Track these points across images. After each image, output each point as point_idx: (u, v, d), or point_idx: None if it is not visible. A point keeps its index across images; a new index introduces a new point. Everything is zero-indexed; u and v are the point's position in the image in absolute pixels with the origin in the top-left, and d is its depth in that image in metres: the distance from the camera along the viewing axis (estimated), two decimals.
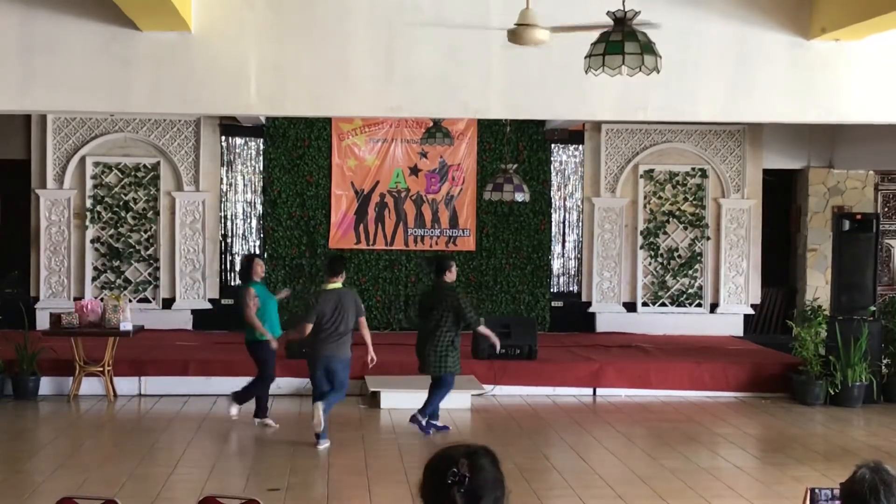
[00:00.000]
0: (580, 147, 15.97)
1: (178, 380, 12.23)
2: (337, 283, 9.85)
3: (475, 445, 2.73)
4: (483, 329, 10.45)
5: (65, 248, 15.08)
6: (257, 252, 15.46)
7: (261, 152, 15.54)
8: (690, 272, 15.91)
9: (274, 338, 10.42)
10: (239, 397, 10.52)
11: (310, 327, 9.69)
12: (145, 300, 15.22)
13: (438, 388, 10.42)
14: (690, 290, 15.92)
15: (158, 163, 15.24)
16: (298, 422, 10.85)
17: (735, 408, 12.12)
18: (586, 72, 6.83)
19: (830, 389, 12.10)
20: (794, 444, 10.28)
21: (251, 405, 10.57)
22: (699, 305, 15.94)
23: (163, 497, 8.00)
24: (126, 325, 11.74)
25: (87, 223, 15.09)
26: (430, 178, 15.62)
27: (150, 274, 15.28)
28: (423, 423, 10.34)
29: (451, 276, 10.44)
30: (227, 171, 15.59)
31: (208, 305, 15.34)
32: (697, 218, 15.89)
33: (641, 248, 15.87)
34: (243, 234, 15.76)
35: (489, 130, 15.49)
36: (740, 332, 15.74)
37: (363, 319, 9.86)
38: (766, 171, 15.96)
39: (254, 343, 10.44)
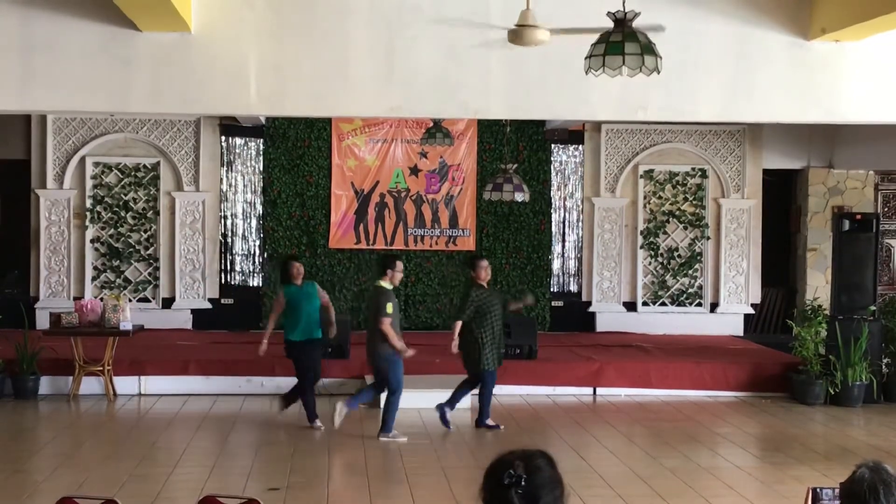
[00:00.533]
0: (580, 147, 15.97)
1: (178, 379, 12.23)
2: (381, 282, 10.00)
3: (531, 449, 2.78)
4: (455, 327, 10.42)
5: (65, 247, 15.08)
6: (258, 250, 15.49)
7: (261, 152, 15.54)
8: (690, 272, 15.91)
9: (304, 340, 10.40)
10: (287, 399, 10.64)
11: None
12: (145, 300, 15.23)
13: (482, 387, 10.57)
14: (690, 290, 15.93)
15: (158, 163, 15.25)
16: (299, 422, 10.85)
17: (735, 407, 12.12)
18: (586, 72, 6.83)
19: (830, 389, 12.10)
20: (794, 443, 10.29)
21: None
22: (699, 305, 15.95)
23: (163, 497, 8.00)
24: (126, 325, 11.75)
25: (87, 223, 15.09)
26: (430, 178, 15.63)
27: (149, 274, 15.28)
28: (489, 423, 10.55)
29: (475, 274, 10.57)
30: (227, 172, 15.59)
31: (208, 305, 15.35)
32: (697, 218, 15.89)
33: (641, 247, 15.87)
34: (243, 234, 15.76)
35: (489, 130, 15.49)
36: (740, 332, 15.74)
37: (382, 319, 9.83)
38: (766, 171, 15.97)
39: (286, 343, 10.56)
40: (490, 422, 10.58)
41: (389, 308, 9.79)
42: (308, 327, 10.44)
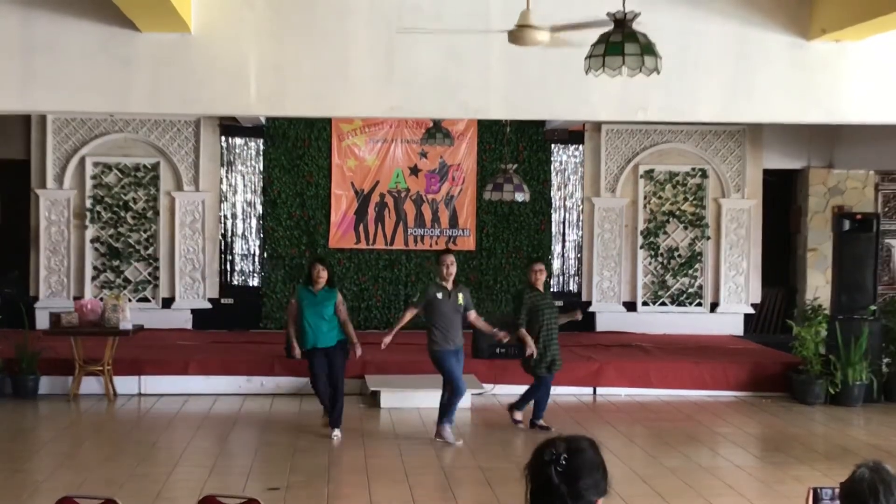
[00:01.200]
0: (580, 147, 15.97)
1: (178, 379, 12.22)
2: (436, 277, 10.21)
3: (579, 435, 2.86)
4: (523, 336, 10.53)
5: (64, 247, 15.08)
6: (258, 250, 15.50)
7: (261, 152, 15.54)
8: (690, 272, 15.92)
9: (306, 349, 10.05)
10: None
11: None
12: (145, 300, 15.23)
13: (536, 389, 10.73)
14: (690, 290, 15.93)
15: (158, 163, 15.25)
16: (298, 422, 10.86)
17: (735, 407, 12.12)
18: (587, 73, 6.83)
19: (831, 389, 12.10)
20: (795, 443, 10.29)
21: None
22: (699, 305, 15.95)
23: (163, 497, 8.00)
24: (126, 325, 11.74)
25: (87, 223, 15.09)
26: (430, 178, 15.63)
27: (149, 273, 15.28)
28: (541, 423, 10.59)
29: (529, 276, 10.65)
30: (227, 172, 15.59)
31: (208, 305, 15.34)
32: (697, 218, 15.89)
33: (641, 247, 15.87)
34: (243, 234, 15.76)
35: (489, 130, 15.49)
36: (740, 332, 15.75)
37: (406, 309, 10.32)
38: (766, 171, 15.97)
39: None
40: (542, 422, 10.60)
41: (417, 297, 10.08)
42: (313, 336, 10.02)
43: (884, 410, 12.02)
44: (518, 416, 10.66)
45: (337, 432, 10.06)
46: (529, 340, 10.42)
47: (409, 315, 10.17)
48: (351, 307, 15.22)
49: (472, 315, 10.25)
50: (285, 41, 9.16)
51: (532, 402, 10.68)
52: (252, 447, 10.01)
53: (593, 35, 6.93)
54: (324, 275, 10.03)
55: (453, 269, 10.04)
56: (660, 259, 15.89)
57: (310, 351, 10.08)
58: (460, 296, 10.05)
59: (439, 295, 9.95)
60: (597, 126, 15.70)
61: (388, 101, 9.42)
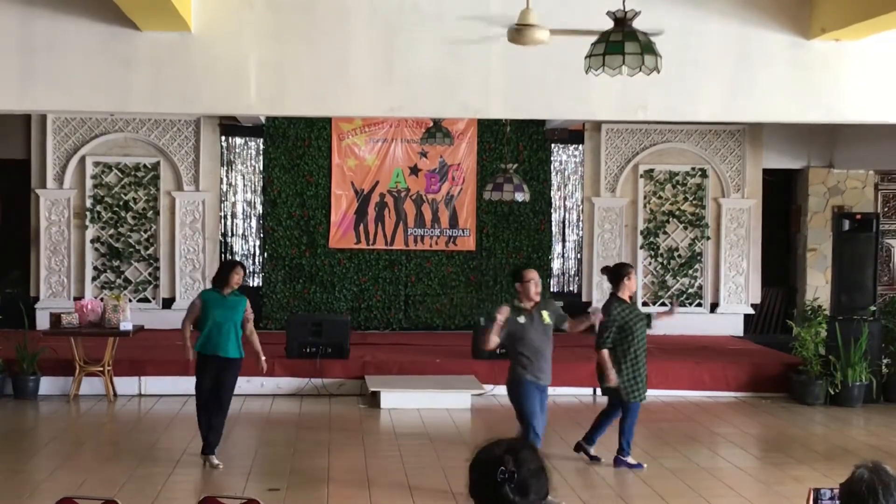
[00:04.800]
0: (580, 147, 15.97)
1: (178, 380, 12.19)
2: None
3: (515, 441, 2.79)
4: (603, 358, 9.32)
5: (65, 247, 15.08)
6: (258, 250, 15.49)
7: (261, 152, 15.55)
8: (690, 272, 15.91)
9: (206, 354, 9.02)
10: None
11: None
12: (145, 300, 15.23)
13: (624, 418, 9.34)
14: (690, 290, 15.93)
15: (158, 163, 15.25)
16: (298, 422, 10.85)
17: (735, 407, 12.12)
18: (586, 72, 6.83)
19: (830, 389, 12.10)
20: (794, 443, 10.29)
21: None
22: (699, 305, 15.94)
23: (163, 497, 8.00)
24: (126, 325, 11.74)
25: (87, 223, 15.09)
26: (430, 177, 15.63)
27: (149, 274, 15.28)
28: (630, 461, 9.14)
29: (619, 286, 9.32)
30: (227, 171, 15.59)
31: None
32: (697, 218, 15.89)
33: (641, 247, 15.87)
34: (243, 234, 15.76)
35: (489, 130, 15.49)
36: (740, 332, 15.74)
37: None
38: (766, 171, 15.97)
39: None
40: (631, 459, 9.19)
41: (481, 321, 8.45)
42: (214, 340, 9.04)
43: (883, 411, 12.02)
44: (631, 459, 9.20)
45: (214, 459, 8.96)
46: (611, 369, 9.07)
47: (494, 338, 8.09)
48: (351, 307, 15.29)
49: (569, 324, 8.55)
50: (285, 41, 9.16)
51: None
52: (252, 447, 10.00)
53: (593, 35, 6.93)
54: (240, 281, 9.23)
55: (539, 289, 8.13)
56: (660, 259, 15.89)
57: (205, 357, 9.04)
58: (545, 313, 8.13)
59: (521, 319, 8.03)
60: (597, 126, 15.70)
61: (388, 101, 9.42)
